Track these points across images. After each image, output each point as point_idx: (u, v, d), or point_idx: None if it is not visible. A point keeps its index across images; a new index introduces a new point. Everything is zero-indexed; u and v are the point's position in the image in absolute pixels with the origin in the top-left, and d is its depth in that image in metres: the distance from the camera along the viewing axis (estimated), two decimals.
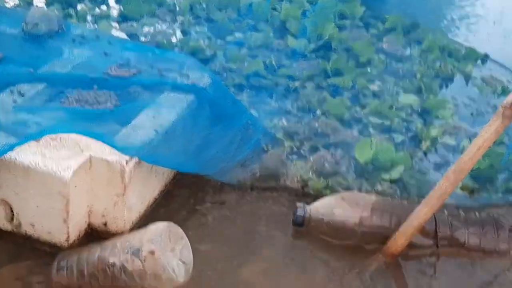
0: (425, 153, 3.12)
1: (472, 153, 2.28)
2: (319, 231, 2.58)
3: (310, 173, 2.87)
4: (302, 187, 2.82)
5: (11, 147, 2.21)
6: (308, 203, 2.65)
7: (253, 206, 2.73)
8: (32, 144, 2.30)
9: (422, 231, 2.50)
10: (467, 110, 3.56)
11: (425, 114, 3.44)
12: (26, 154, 2.25)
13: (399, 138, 3.18)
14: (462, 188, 2.86)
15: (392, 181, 2.85)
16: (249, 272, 2.42)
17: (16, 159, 2.23)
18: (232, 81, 3.48)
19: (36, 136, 2.30)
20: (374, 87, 3.63)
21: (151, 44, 3.74)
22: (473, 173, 2.86)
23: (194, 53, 3.63)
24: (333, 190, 2.78)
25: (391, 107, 3.35)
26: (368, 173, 2.90)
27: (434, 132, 3.20)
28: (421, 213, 2.40)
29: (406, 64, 3.96)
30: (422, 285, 2.46)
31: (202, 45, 3.80)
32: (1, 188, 2.29)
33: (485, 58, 4.17)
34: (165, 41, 3.79)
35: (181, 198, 2.70)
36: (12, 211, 2.33)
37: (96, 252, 2.12)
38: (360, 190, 2.78)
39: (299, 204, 2.61)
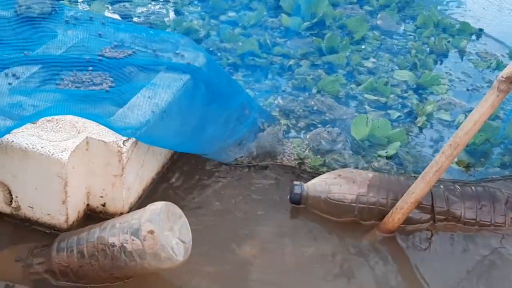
0: (420, 129, 3.14)
1: (468, 128, 2.29)
2: (316, 208, 2.60)
3: (307, 150, 2.88)
4: (299, 164, 2.84)
5: (8, 130, 2.20)
6: (305, 180, 2.66)
7: (250, 184, 2.74)
8: (29, 126, 2.30)
9: (419, 206, 2.51)
10: (462, 86, 3.58)
11: (420, 90, 3.45)
12: (23, 137, 2.25)
13: (394, 114, 3.19)
14: (458, 163, 2.88)
15: (388, 157, 2.86)
16: (247, 250, 2.44)
17: (13, 141, 2.23)
18: (227, 60, 3.48)
19: (33, 119, 2.29)
20: (369, 64, 3.64)
21: (145, 24, 3.72)
22: (469, 148, 2.88)
23: (188, 33, 3.61)
24: (329, 168, 2.80)
25: (386, 83, 3.36)
26: (364, 149, 2.91)
27: (429, 108, 3.21)
28: (418, 189, 2.42)
29: (400, 41, 3.96)
30: (419, 259, 2.48)
31: (196, 25, 3.79)
32: None
33: (479, 32, 4.17)
34: (158, 22, 3.77)
35: (178, 178, 2.71)
36: (10, 193, 2.34)
37: (95, 233, 2.12)
38: (356, 167, 2.80)
39: (296, 182, 2.62)
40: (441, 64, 3.79)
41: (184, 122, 2.67)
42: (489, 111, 2.27)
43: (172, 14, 3.98)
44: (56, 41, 2.78)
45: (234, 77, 3.29)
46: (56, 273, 2.16)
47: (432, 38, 3.99)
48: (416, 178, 2.49)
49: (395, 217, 2.48)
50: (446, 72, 3.67)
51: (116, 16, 3.74)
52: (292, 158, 2.86)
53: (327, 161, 2.84)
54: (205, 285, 2.28)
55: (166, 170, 2.72)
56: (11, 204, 2.35)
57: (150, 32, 3.03)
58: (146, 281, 2.21)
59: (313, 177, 2.69)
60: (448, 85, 3.53)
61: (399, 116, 3.18)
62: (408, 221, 2.52)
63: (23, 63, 2.60)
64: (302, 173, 2.81)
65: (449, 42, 3.95)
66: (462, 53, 3.91)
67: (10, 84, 2.48)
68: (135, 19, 3.84)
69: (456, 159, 2.75)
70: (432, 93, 3.43)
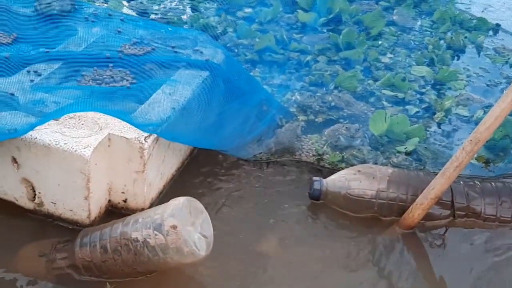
0: (439, 125, 3.13)
1: (489, 123, 2.29)
2: (336, 204, 2.60)
3: (325, 146, 2.89)
4: (318, 160, 2.84)
5: (31, 127, 2.23)
6: (324, 176, 2.67)
7: (269, 181, 2.75)
8: (52, 123, 2.32)
9: (439, 202, 2.51)
10: (480, 81, 3.56)
11: (438, 85, 3.44)
12: (46, 133, 2.27)
13: (412, 110, 3.18)
14: (478, 159, 2.88)
15: (407, 153, 2.86)
16: (266, 246, 2.45)
17: (36, 138, 2.25)
18: (244, 57, 3.48)
19: (56, 115, 2.31)
20: (386, 59, 3.64)
21: (162, 21, 3.73)
22: (488, 144, 2.87)
23: (205, 29, 3.63)
24: (348, 163, 2.80)
25: (403, 79, 3.35)
26: (383, 145, 2.91)
27: (448, 103, 3.20)
28: (438, 184, 2.42)
29: (417, 36, 3.95)
30: (439, 255, 2.48)
31: (213, 22, 3.80)
32: (22, 167, 2.32)
33: (496, 28, 4.15)
34: (175, 19, 3.79)
35: (198, 173, 2.73)
36: (34, 190, 2.36)
37: (118, 228, 2.14)
38: (375, 162, 2.80)
39: (315, 178, 2.63)
40: (458, 59, 3.78)
41: (204, 118, 2.68)
42: (510, 106, 2.26)
43: (188, 11, 3.99)
44: (76, 38, 2.81)
45: (252, 73, 3.30)
46: (79, 268, 2.18)
47: (449, 34, 3.98)
48: (435, 174, 2.50)
49: (415, 212, 2.48)
50: (464, 68, 3.65)
51: (133, 13, 3.76)
52: (310, 154, 2.87)
53: (345, 157, 2.84)
54: (225, 281, 2.29)
55: (186, 166, 2.73)
56: (34, 200, 2.37)
57: (169, 29, 3.04)
58: (169, 276, 2.23)
59: (332, 173, 2.69)
60: (466, 81, 3.52)
61: (417, 112, 3.18)
62: (428, 217, 2.52)
63: (44, 61, 2.63)
64: (320, 169, 2.81)
65: (466, 37, 3.94)
66: (479, 48, 3.90)
67: (32, 81, 2.51)
68: (152, 16, 3.86)
69: (476, 155, 2.74)
70: (450, 88, 3.42)
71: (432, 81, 3.45)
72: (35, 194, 2.36)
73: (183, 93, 2.56)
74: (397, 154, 2.86)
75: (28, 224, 2.39)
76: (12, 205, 2.42)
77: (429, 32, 4.01)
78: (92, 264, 2.16)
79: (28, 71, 2.55)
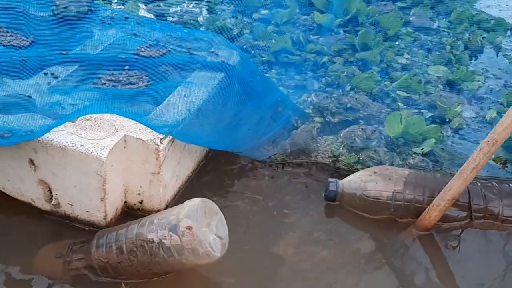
0: (454, 127, 3.10)
1: (507, 124, 2.26)
2: (351, 205, 2.59)
3: (341, 148, 2.88)
4: (333, 162, 2.84)
5: (48, 128, 2.25)
6: (340, 178, 2.66)
7: (285, 182, 2.75)
8: (68, 125, 2.34)
9: (456, 203, 2.49)
10: (498, 82, 3.53)
11: (452, 86, 3.42)
12: (63, 135, 2.28)
13: (428, 114, 3.16)
14: (495, 160, 2.85)
15: (423, 154, 2.84)
16: (282, 247, 2.45)
17: (53, 140, 2.27)
18: (261, 58, 3.49)
19: (72, 117, 2.33)
20: (403, 60, 3.62)
21: (178, 23, 3.75)
22: (506, 144, 2.84)
23: (221, 31, 3.64)
24: (364, 165, 2.79)
25: (420, 81, 3.33)
26: (398, 147, 2.89)
27: (458, 108, 3.18)
28: (455, 186, 2.40)
29: (434, 37, 3.93)
30: (455, 257, 2.46)
31: (229, 24, 3.81)
32: (39, 169, 2.34)
33: None
34: (191, 21, 3.80)
35: (214, 175, 2.73)
36: (50, 191, 2.38)
37: (134, 229, 2.15)
38: (391, 164, 2.78)
39: (331, 179, 2.62)
40: (476, 60, 3.75)
41: (219, 120, 2.69)
42: None
43: (205, 13, 4.01)
44: (93, 40, 2.83)
45: (267, 75, 3.30)
46: (95, 269, 2.19)
47: (467, 34, 3.95)
48: (452, 175, 2.48)
49: (431, 214, 2.46)
50: (482, 68, 3.63)
51: (150, 16, 3.78)
52: (326, 156, 2.86)
53: (361, 158, 2.83)
54: (240, 282, 2.29)
55: (202, 168, 2.74)
56: (51, 201, 2.39)
57: (184, 31, 3.05)
58: (184, 277, 2.24)
59: (348, 174, 2.68)
60: (482, 82, 3.49)
61: (431, 116, 3.15)
62: (444, 218, 2.50)
63: (61, 63, 2.65)
64: (336, 171, 2.80)
65: (484, 38, 3.91)
66: (497, 49, 3.87)
67: (49, 83, 2.53)
68: (168, 18, 3.88)
69: (493, 156, 2.72)
70: (462, 88, 3.40)
71: (448, 82, 3.43)
72: (52, 196, 2.38)
73: (199, 94, 2.57)
74: (413, 155, 2.84)
75: (45, 225, 2.41)
76: (30, 207, 2.44)
77: (446, 33, 3.99)
78: (108, 265, 2.17)
79: (45, 74, 2.58)
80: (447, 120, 3.12)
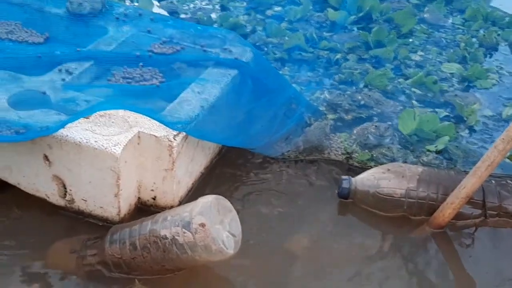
0: (469, 124, 3.08)
1: None
2: (364, 203, 2.59)
3: (354, 145, 2.87)
4: (347, 159, 2.83)
5: (63, 124, 2.26)
6: (353, 175, 2.65)
7: (298, 179, 2.75)
8: (82, 121, 2.35)
9: (470, 201, 2.48)
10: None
11: (467, 84, 3.40)
12: (77, 131, 2.29)
13: (442, 113, 3.14)
14: (510, 157, 2.83)
15: (437, 152, 2.83)
16: (295, 244, 2.45)
17: (67, 136, 2.28)
18: (274, 55, 3.49)
19: (87, 113, 2.34)
20: (417, 57, 3.61)
21: (191, 20, 3.75)
22: None
23: (234, 28, 3.63)
24: (377, 162, 2.78)
25: (435, 81, 3.31)
26: (412, 144, 2.88)
27: (476, 106, 3.16)
28: (469, 184, 2.39)
29: (448, 34, 3.90)
30: (469, 255, 2.45)
31: (242, 21, 3.81)
32: (53, 164, 2.35)
33: None
34: (205, 18, 3.80)
35: (227, 172, 2.73)
36: (65, 187, 2.39)
37: (147, 226, 2.16)
38: (405, 161, 2.77)
39: (344, 176, 2.62)
40: (490, 57, 3.73)
41: (232, 116, 2.69)
42: None
43: (218, 9, 4.01)
44: (107, 37, 2.84)
45: (281, 72, 3.30)
46: (109, 264, 2.21)
47: (481, 31, 3.93)
48: (466, 172, 2.46)
49: (445, 212, 2.45)
50: (497, 66, 3.60)
51: (164, 12, 3.79)
52: (339, 153, 2.85)
53: (375, 155, 2.82)
54: (253, 279, 2.29)
55: (215, 164, 2.74)
56: (65, 197, 2.41)
57: (198, 28, 3.06)
58: (197, 273, 2.24)
59: (361, 171, 2.68)
60: (496, 80, 3.46)
61: (446, 116, 3.13)
62: (458, 216, 2.49)
63: (75, 60, 2.66)
64: (349, 168, 2.80)
65: (499, 35, 3.88)
66: None
67: (63, 80, 2.54)
68: (182, 15, 3.88)
69: (508, 153, 2.70)
70: (475, 86, 3.37)
71: (462, 79, 3.41)
72: (66, 191, 2.40)
73: (212, 91, 2.57)
74: (427, 153, 2.83)
75: (59, 220, 2.42)
76: (44, 202, 2.45)
77: (461, 30, 3.97)
78: (121, 261, 2.18)
79: (60, 70, 2.59)
80: (464, 118, 3.10)
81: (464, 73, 3.44)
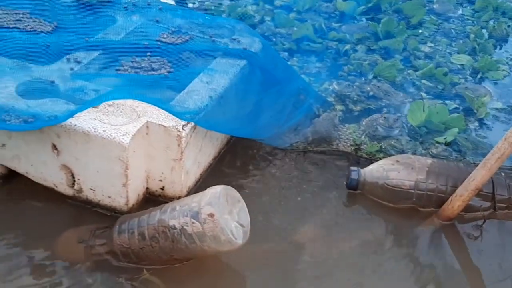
0: (479, 117, 3.06)
1: None
2: (373, 194, 2.58)
3: (363, 136, 2.86)
4: (355, 150, 2.82)
5: (71, 114, 2.25)
6: (362, 166, 2.64)
7: (306, 170, 2.74)
8: (91, 110, 2.34)
9: (479, 193, 2.47)
10: None
11: (477, 74, 3.38)
12: (86, 121, 2.29)
13: (452, 105, 3.12)
14: None
15: (446, 144, 2.81)
16: (303, 235, 2.44)
17: (76, 125, 2.27)
18: (282, 46, 3.47)
19: (95, 103, 2.33)
20: (426, 48, 3.58)
21: (200, 10, 3.74)
22: None
23: (243, 18, 3.62)
24: (386, 154, 2.77)
25: (445, 73, 3.29)
26: (421, 136, 2.87)
27: (486, 98, 3.14)
28: (479, 176, 2.37)
29: (458, 25, 3.88)
30: (478, 248, 2.44)
31: (250, 11, 3.79)
32: (62, 154, 2.35)
33: None
34: (213, 7, 3.79)
35: (235, 162, 2.73)
36: (73, 176, 2.39)
37: (156, 215, 2.16)
38: (414, 153, 2.76)
39: (353, 168, 2.61)
40: (500, 49, 3.70)
41: (241, 107, 2.68)
42: None
43: (226, 0, 3.99)
44: (115, 27, 2.83)
45: (289, 63, 3.28)
46: (117, 254, 2.21)
47: (491, 22, 3.90)
48: (476, 165, 2.45)
49: (454, 204, 2.44)
50: (507, 57, 3.57)
51: (172, 2, 3.77)
52: (348, 144, 2.84)
53: (383, 147, 2.81)
54: (262, 269, 2.29)
55: (223, 155, 2.74)
56: (74, 186, 2.41)
57: (207, 17, 3.04)
58: (205, 263, 2.24)
59: (369, 163, 2.67)
60: (507, 71, 3.44)
61: (456, 108, 3.11)
62: (467, 208, 2.48)
63: (84, 49, 2.65)
64: (358, 159, 2.79)
65: (509, 26, 3.85)
66: None
67: (72, 69, 2.53)
68: (190, 5, 3.87)
69: None
70: (487, 78, 3.35)
71: (472, 71, 3.38)
72: (74, 181, 2.39)
73: (220, 82, 2.56)
74: (436, 144, 2.81)
75: (67, 210, 2.42)
76: (52, 192, 2.45)
77: (470, 21, 3.94)
78: (130, 250, 2.18)
79: (68, 59, 2.58)
80: (474, 111, 3.08)
81: (475, 64, 3.41)
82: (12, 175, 2.49)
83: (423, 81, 3.27)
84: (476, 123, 3.03)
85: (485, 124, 3.04)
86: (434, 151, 2.78)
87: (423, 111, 2.91)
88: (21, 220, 2.38)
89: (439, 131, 2.88)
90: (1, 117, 2.25)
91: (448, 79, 3.27)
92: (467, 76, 3.37)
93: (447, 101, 3.15)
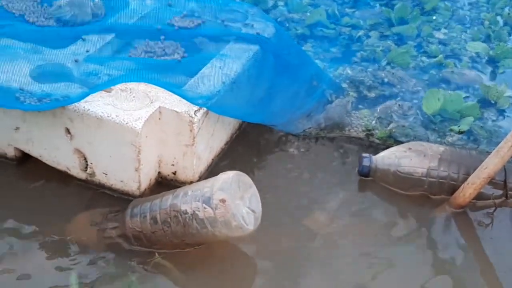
0: (494, 103, 3.04)
1: None
2: (385, 181, 2.57)
3: (376, 123, 2.85)
4: (367, 136, 2.81)
5: (84, 95, 2.26)
6: (374, 153, 2.64)
7: (318, 156, 2.74)
8: (104, 95, 2.35)
9: (491, 182, 2.46)
10: None
11: (493, 63, 3.35)
12: (99, 105, 2.30)
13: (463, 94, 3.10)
14: None
15: (461, 132, 2.80)
16: (314, 221, 2.44)
17: (89, 110, 2.28)
18: (295, 31, 3.45)
19: (108, 85, 2.34)
20: (440, 35, 3.55)
21: None
22: None
23: (256, 3, 3.59)
24: (399, 141, 2.75)
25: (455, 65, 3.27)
26: (435, 124, 2.85)
27: (503, 87, 3.11)
28: (491, 164, 2.36)
29: (473, 12, 3.84)
30: (489, 235, 2.44)
31: None
32: (75, 138, 2.36)
33: None
34: None
35: (247, 148, 2.73)
36: (86, 160, 2.40)
37: (168, 200, 2.17)
38: (428, 140, 2.74)
39: (365, 154, 2.60)
40: None
41: (253, 92, 2.68)
42: None
43: None
44: (129, 10, 2.82)
45: (303, 48, 3.27)
46: (129, 237, 2.22)
47: (506, 9, 3.86)
48: (488, 153, 2.44)
49: (466, 192, 2.43)
50: None
51: None
52: (360, 130, 2.83)
53: (397, 134, 2.79)
54: (273, 255, 2.30)
55: (235, 140, 2.74)
56: (86, 170, 2.42)
57: (219, 1, 3.02)
58: (216, 248, 2.25)
59: (382, 149, 2.66)
60: None
61: (466, 97, 3.08)
62: (479, 196, 2.47)
63: (97, 32, 2.65)
64: (370, 146, 2.78)
65: None
66: None
67: (87, 51, 2.53)
68: None
69: None
70: (503, 66, 3.32)
71: (487, 58, 3.36)
72: (87, 165, 2.41)
73: (233, 67, 2.56)
74: (450, 133, 2.80)
75: (80, 193, 2.43)
76: (65, 175, 2.47)
77: (485, 8, 3.90)
78: (142, 234, 2.19)
79: (82, 42, 2.58)
80: (491, 101, 3.05)
81: (490, 52, 3.38)
82: (26, 158, 2.51)
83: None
84: (494, 111, 3.00)
85: (502, 113, 3.02)
86: (449, 139, 2.76)
87: (438, 100, 2.88)
88: (34, 203, 2.40)
89: (454, 119, 2.86)
90: (16, 97, 2.26)
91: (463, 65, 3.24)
92: (482, 63, 3.34)
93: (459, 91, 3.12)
